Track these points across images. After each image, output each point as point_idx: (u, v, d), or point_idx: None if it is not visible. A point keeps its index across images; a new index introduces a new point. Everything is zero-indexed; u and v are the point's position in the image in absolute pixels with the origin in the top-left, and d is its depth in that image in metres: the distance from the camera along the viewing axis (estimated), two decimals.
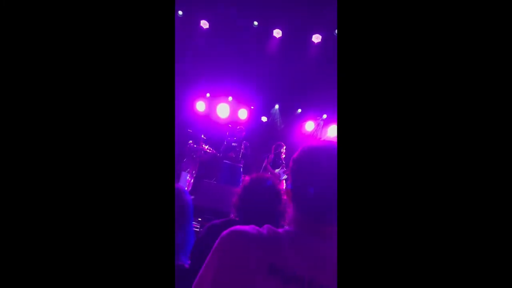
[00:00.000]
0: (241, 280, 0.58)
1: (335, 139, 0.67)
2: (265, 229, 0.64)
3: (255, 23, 5.21)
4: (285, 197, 0.72)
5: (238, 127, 4.27)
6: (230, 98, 5.78)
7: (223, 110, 5.73)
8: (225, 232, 0.63)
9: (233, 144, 4.09)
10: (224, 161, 4.08)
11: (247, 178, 1.37)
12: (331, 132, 5.64)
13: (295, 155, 0.69)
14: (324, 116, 5.68)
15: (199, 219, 2.80)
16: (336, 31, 4.94)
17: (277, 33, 5.26)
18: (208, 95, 5.77)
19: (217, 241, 0.63)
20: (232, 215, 1.37)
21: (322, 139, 4.80)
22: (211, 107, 5.75)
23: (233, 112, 5.74)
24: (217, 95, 5.72)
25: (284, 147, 4.24)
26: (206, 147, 4.26)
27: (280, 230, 0.64)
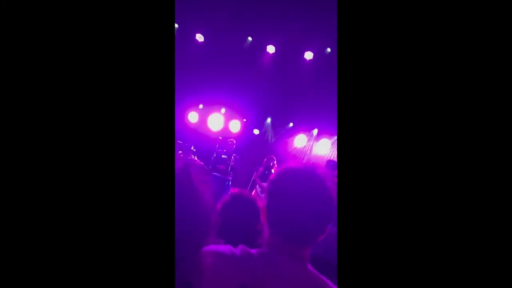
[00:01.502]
0: None
1: (317, 161, 0.68)
2: (239, 249, 0.64)
3: (249, 39, 5.33)
4: (263, 216, 0.73)
5: (229, 140, 4.27)
6: (223, 110, 5.81)
7: (215, 122, 5.74)
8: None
9: (222, 156, 4.07)
10: (213, 173, 4.05)
11: (226, 195, 1.36)
12: (321, 146, 5.70)
13: (271, 176, 0.69)
14: (315, 130, 5.75)
15: None
16: (328, 49, 5.08)
17: (271, 49, 5.38)
18: (201, 106, 5.80)
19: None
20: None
21: (312, 154, 4.74)
22: (203, 118, 5.76)
23: (225, 124, 5.75)
24: (209, 107, 5.75)
25: (275, 161, 4.24)
26: (194, 157, 4.23)
27: (253, 251, 0.64)
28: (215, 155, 4.23)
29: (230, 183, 4.08)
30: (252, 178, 4.29)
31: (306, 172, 0.65)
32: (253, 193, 4.04)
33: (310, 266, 0.64)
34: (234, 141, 4.21)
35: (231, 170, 4.05)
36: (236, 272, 0.59)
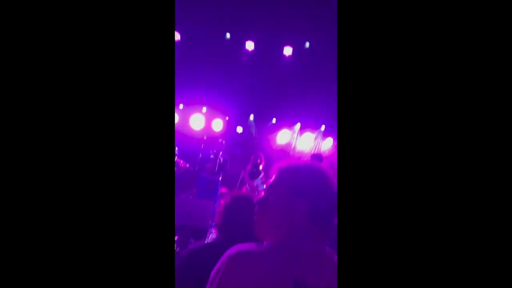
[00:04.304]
0: None
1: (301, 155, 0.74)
2: (268, 245, 0.64)
3: (228, 35, 5.25)
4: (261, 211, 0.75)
5: (220, 140, 4.20)
6: (204, 109, 5.70)
7: (197, 121, 5.62)
8: (231, 252, 0.61)
9: (211, 156, 4.00)
10: (202, 174, 3.97)
11: (227, 196, 1.34)
12: (305, 140, 5.79)
13: (272, 175, 0.71)
14: (298, 125, 5.82)
15: (175, 237, 2.66)
16: (307, 43, 5.14)
17: (250, 45, 5.34)
18: (181, 106, 5.64)
19: (223, 262, 0.61)
20: (214, 235, 1.33)
21: (296, 149, 4.88)
22: (184, 118, 5.62)
23: (207, 123, 5.66)
24: (190, 107, 5.62)
25: (263, 157, 4.24)
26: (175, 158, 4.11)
27: (281, 244, 0.64)
28: (201, 155, 4.15)
29: (219, 183, 4.03)
30: (241, 176, 4.26)
31: (306, 167, 0.69)
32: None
33: (328, 248, 0.65)
34: (224, 142, 4.14)
35: (220, 170, 3.99)
36: (286, 267, 0.59)
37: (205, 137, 4.55)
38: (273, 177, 0.70)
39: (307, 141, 5.77)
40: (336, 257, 0.63)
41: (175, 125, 5.55)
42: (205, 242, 2.84)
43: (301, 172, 0.67)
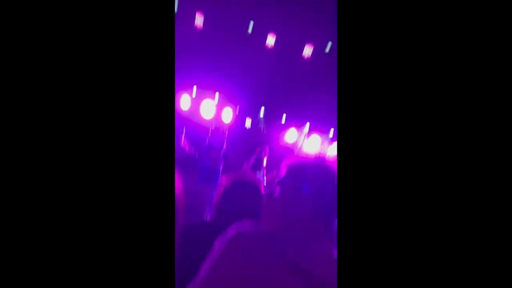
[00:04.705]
0: (262, 278, 0.59)
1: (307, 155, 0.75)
2: (270, 228, 0.68)
3: (250, 29, 5.24)
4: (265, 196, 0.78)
5: (222, 129, 4.23)
6: (216, 95, 5.73)
7: (208, 109, 5.66)
8: (232, 233, 0.64)
9: (215, 145, 4.04)
10: (204, 162, 4.02)
11: (226, 178, 1.36)
12: (312, 142, 5.78)
13: (282, 169, 0.73)
14: (307, 125, 5.81)
15: None
16: (328, 48, 5.10)
17: (271, 40, 5.32)
18: (194, 88, 5.67)
19: (223, 243, 0.64)
20: (209, 216, 1.36)
21: (303, 149, 4.89)
22: (195, 106, 5.66)
23: (218, 112, 5.69)
24: (203, 91, 5.65)
25: (267, 151, 4.25)
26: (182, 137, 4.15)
27: (279, 229, 0.68)
28: (206, 142, 4.19)
29: (220, 172, 4.07)
30: (243, 168, 4.30)
31: (316, 163, 0.72)
32: None
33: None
34: (226, 130, 4.18)
35: (223, 158, 4.04)
36: (284, 249, 0.62)
37: (213, 126, 4.58)
38: (282, 172, 0.73)
39: (314, 144, 5.76)
40: (335, 250, 0.65)
41: (186, 112, 5.59)
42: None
43: (310, 168, 0.71)
